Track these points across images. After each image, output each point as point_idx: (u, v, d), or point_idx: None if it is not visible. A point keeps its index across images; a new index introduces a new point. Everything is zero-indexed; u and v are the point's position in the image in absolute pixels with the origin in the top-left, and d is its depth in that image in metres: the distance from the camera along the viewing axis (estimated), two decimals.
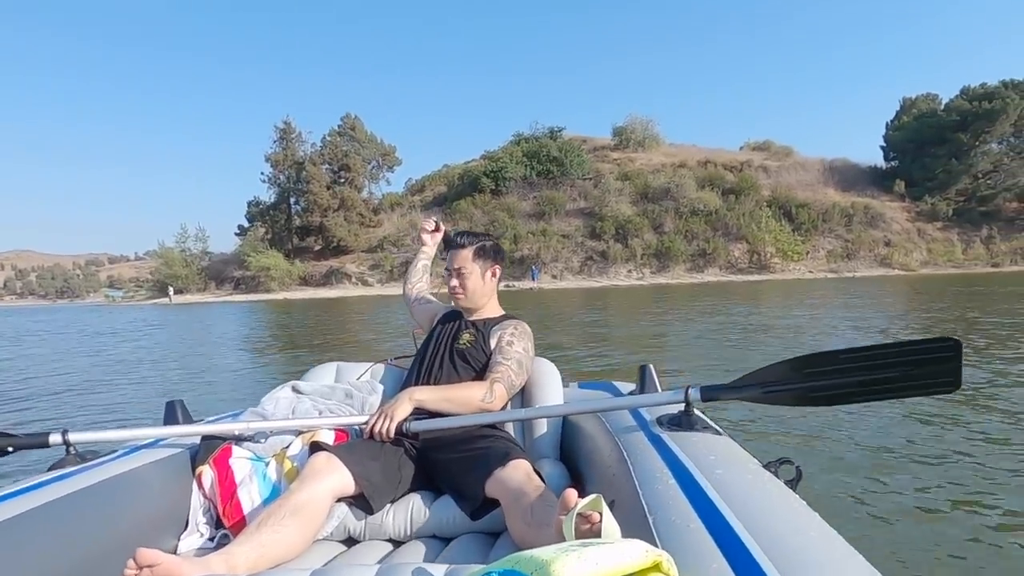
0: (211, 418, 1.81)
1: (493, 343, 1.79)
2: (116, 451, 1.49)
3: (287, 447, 1.58)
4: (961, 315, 10.05)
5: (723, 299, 17.23)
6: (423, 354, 1.84)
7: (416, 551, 1.36)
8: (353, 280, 40.99)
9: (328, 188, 42.95)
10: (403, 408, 1.58)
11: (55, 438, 1.37)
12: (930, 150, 41.58)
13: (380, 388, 1.88)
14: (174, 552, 1.38)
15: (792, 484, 1.06)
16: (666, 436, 1.21)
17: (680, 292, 23.51)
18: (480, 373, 1.75)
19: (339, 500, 1.42)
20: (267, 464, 1.54)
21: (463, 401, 1.61)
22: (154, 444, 1.55)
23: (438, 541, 1.44)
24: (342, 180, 44.21)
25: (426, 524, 1.46)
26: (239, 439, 1.60)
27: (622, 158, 48.45)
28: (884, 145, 46.81)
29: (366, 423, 1.59)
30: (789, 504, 0.87)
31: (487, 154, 48.85)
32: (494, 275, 1.91)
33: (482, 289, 1.88)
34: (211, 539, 1.46)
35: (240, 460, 1.51)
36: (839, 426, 3.55)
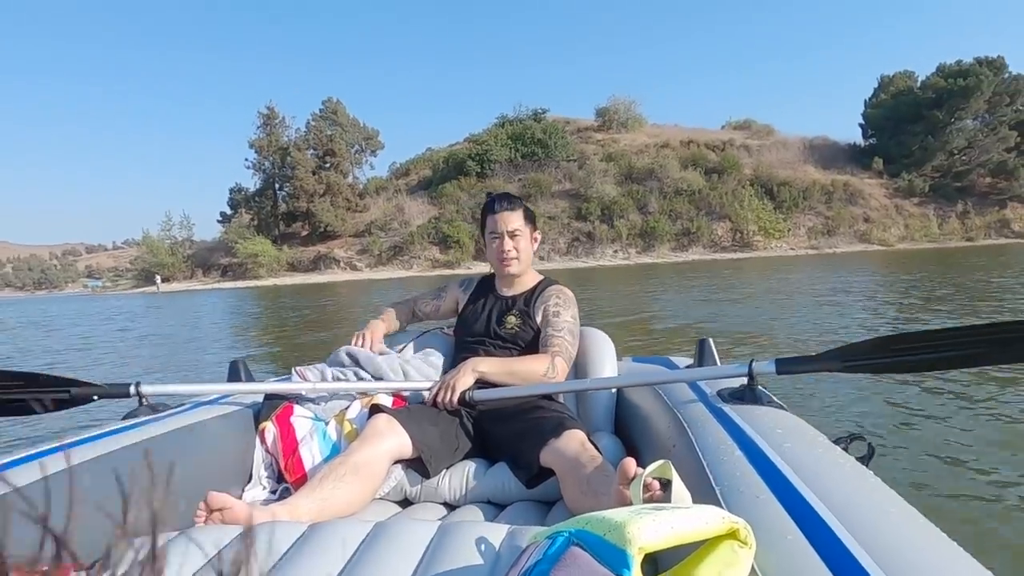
0: (273, 379, 1.90)
1: (539, 317, 1.76)
2: (184, 404, 1.55)
3: (347, 409, 1.62)
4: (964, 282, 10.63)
5: (714, 276, 17.74)
6: (468, 339, 1.81)
7: (471, 514, 1.38)
8: (341, 265, 41.14)
9: (314, 173, 42.89)
10: (466, 379, 1.59)
11: (132, 389, 1.45)
12: (907, 127, 42.27)
13: (432, 356, 1.86)
14: None
15: (864, 461, 1.02)
16: (728, 409, 1.17)
17: (666, 271, 24.01)
18: (518, 344, 1.74)
19: (396, 462, 1.45)
20: (327, 424, 1.58)
21: (525, 375, 1.61)
22: (219, 400, 1.62)
23: (492, 507, 1.45)
24: (327, 165, 44.14)
25: (480, 490, 1.47)
26: (300, 399, 1.66)
27: (606, 139, 48.75)
28: (862, 123, 47.43)
29: (429, 391, 1.62)
30: (864, 479, 0.84)
31: (472, 137, 48.92)
32: (536, 240, 1.86)
33: (529, 254, 1.83)
34: (273, 492, 1.51)
35: (301, 419, 1.56)
36: (915, 404, 3.40)
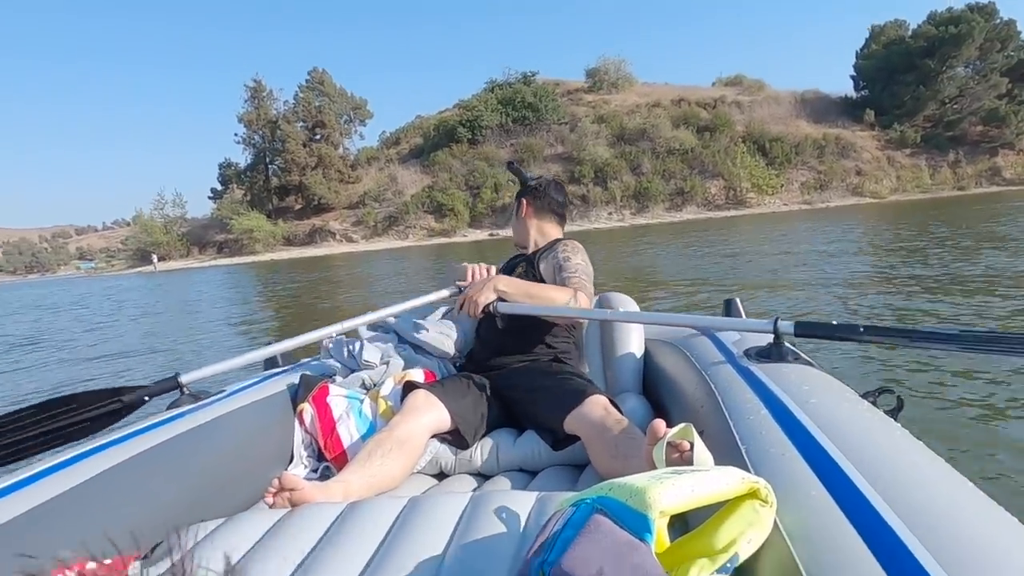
0: (305, 360, 1.96)
1: (543, 267, 1.79)
2: (224, 391, 1.56)
3: (380, 386, 1.65)
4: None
5: (710, 234, 17.95)
6: None
7: (504, 483, 1.42)
8: (337, 237, 41.14)
9: (304, 146, 42.54)
10: (488, 293, 1.61)
11: (176, 381, 1.46)
12: (899, 77, 42.09)
13: (460, 323, 1.93)
14: None
15: (893, 414, 1.01)
16: (755, 368, 1.17)
17: (662, 231, 24.23)
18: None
19: (433, 436, 1.49)
20: (362, 402, 1.61)
21: (545, 300, 1.61)
22: (257, 384, 1.65)
23: (525, 474, 1.48)
24: (318, 137, 43.78)
25: (512, 458, 1.51)
26: (335, 379, 1.70)
27: (596, 100, 48.35)
28: (854, 75, 47.14)
29: (455, 304, 1.67)
30: (890, 432, 0.84)
31: (461, 103, 48.38)
32: (524, 213, 1.94)
33: (517, 225, 1.97)
34: (314, 471, 1.54)
35: (337, 398, 1.59)
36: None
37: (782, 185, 41.06)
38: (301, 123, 43.79)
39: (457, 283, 1.75)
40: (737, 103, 46.80)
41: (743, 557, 0.66)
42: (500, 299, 1.62)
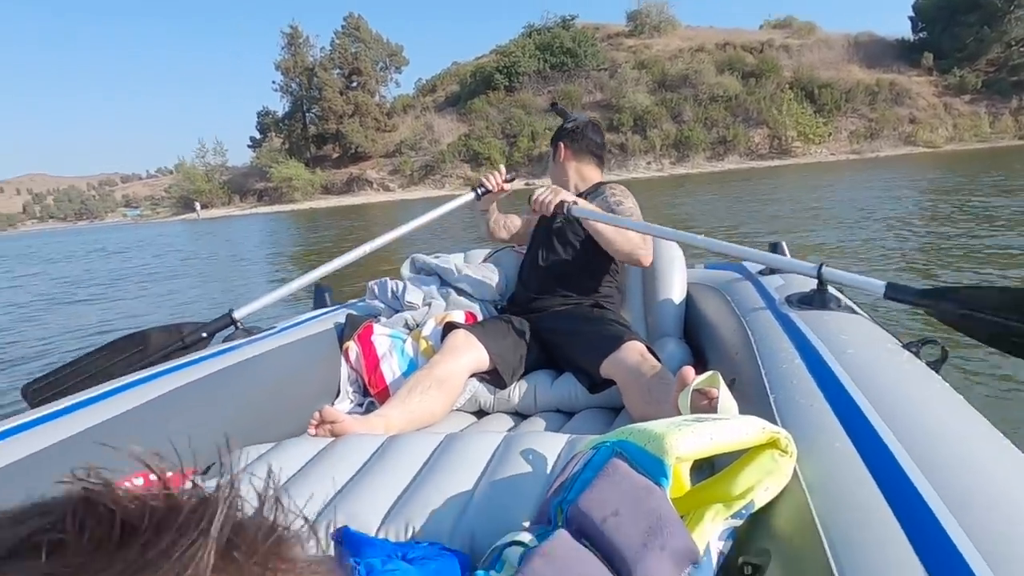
0: (351, 301, 2.00)
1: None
2: (274, 327, 1.62)
3: (422, 326, 1.69)
4: None
5: (755, 185, 17.48)
6: (530, 252, 1.85)
7: (540, 424, 1.43)
8: (374, 186, 41.38)
9: (341, 94, 42.48)
10: (568, 195, 1.59)
11: (231, 317, 1.53)
12: (961, 18, 39.58)
13: (501, 269, 1.93)
14: None
15: (935, 366, 0.98)
16: (795, 315, 1.15)
17: (702, 181, 23.76)
18: (582, 251, 1.72)
19: (472, 375, 1.52)
20: (404, 341, 1.66)
21: (615, 231, 1.58)
22: (305, 322, 1.70)
23: (561, 415, 1.50)
24: (354, 84, 43.60)
25: (549, 399, 1.53)
26: (379, 319, 1.76)
27: (637, 45, 46.81)
28: (913, 15, 44.54)
29: (533, 199, 1.60)
30: (928, 385, 0.82)
31: (498, 49, 47.44)
32: (562, 156, 1.87)
33: (555, 170, 1.89)
34: (359, 405, 1.59)
35: (381, 337, 1.64)
36: None
37: (830, 134, 39.56)
38: (338, 70, 43.60)
39: (477, 189, 1.83)
40: (785, 47, 44.80)
41: (759, 504, 0.67)
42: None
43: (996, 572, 0.44)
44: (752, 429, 0.69)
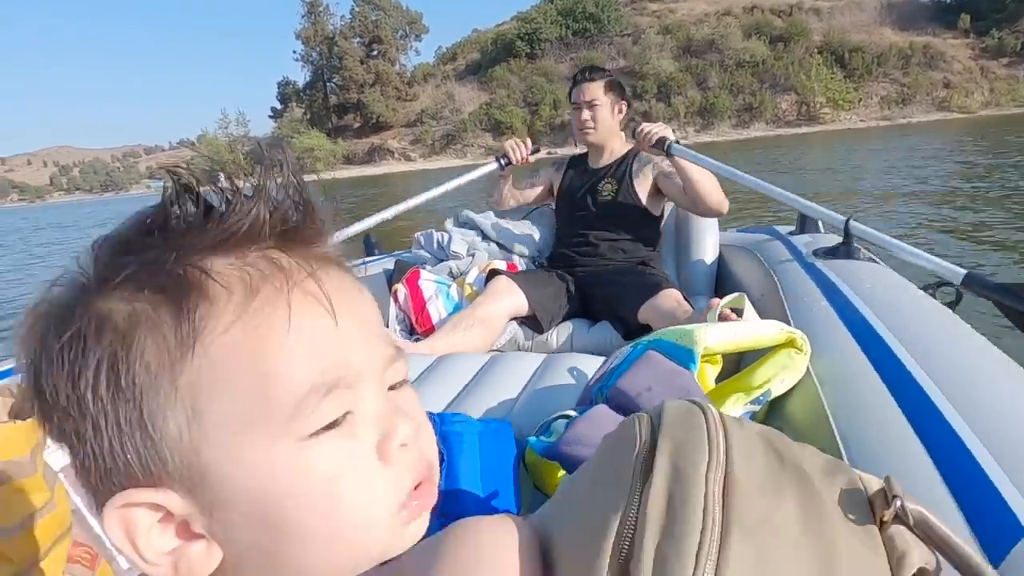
0: (399, 251, 2.15)
1: (638, 184, 1.76)
2: None
3: (466, 274, 1.80)
4: None
5: (785, 152, 17.10)
6: (568, 214, 1.87)
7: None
8: (396, 156, 41.38)
9: (362, 63, 42.29)
10: (667, 132, 1.64)
11: None
12: None
13: (540, 229, 1.99)
14: None
15: (951, 306, 1.02)
16: (821, 264, 1.21)
17: (726, 148, 23.38)
18: (634, 224, 1.77)
19: (512, 319, 1.61)
20: (450, 287, 1.76)
21: (707, 180, 1.60)
22: (357, 266, 2.14)
23: (596, 358, 1.60)
24: (375, 53, 43.35)
25: (586, 343, 1.60)
26: (425, 267, 1.85)
27: (662, 9, 45.85)
28: None
29: (640, 129, 1.65)
30: (940, 314, 0.86)
31: (520, 15, 46.62)
32: (621, 111, 1.84)
33: (611, 124, 1.83)
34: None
35: (427, 282, 1.74)
36: None
37: (860, 99, 38.60)
38: (358, 39, 43.34)
39: (500, 159, 1.87)
40: (815, 10, 43.55)
41: (775, 393, 0.76)
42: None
43: (991, 450, 0.49)
44: (772, 329, 0.78)
